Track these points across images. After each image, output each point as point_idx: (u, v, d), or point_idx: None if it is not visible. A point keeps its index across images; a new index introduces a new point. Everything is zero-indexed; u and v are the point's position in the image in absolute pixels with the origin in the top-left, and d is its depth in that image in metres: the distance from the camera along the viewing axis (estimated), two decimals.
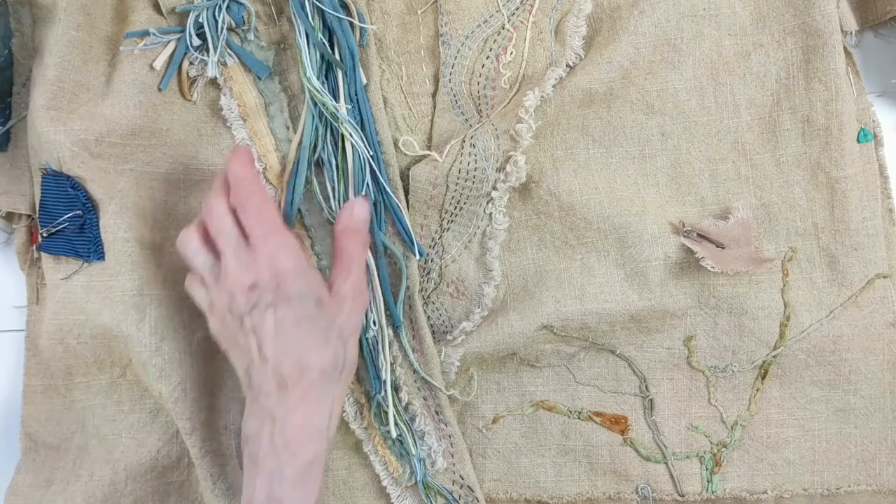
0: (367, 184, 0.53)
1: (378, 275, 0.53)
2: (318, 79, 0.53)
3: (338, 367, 0.46)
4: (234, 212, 0.47)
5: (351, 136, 0.53)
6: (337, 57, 0.53)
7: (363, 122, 0.53)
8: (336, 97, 0.53)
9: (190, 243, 0.48)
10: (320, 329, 0.46)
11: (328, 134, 0.54)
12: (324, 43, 0.53)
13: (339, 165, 0.53)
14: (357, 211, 0.50)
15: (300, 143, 0.53)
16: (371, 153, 0.53)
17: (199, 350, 0.53)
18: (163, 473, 0.54)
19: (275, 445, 0.44)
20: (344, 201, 0.53)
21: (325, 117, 0.53)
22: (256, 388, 0.45)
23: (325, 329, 0.46)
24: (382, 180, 0.53)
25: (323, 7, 0.52)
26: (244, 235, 0.47)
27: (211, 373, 0.54)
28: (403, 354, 0.53)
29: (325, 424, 0.46)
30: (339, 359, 0.46)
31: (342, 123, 0.53)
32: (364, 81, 0.54)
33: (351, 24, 0.54)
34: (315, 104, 0.53)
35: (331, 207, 0.53)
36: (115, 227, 0.51)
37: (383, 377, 0.52)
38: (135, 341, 0.51)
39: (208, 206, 0.48)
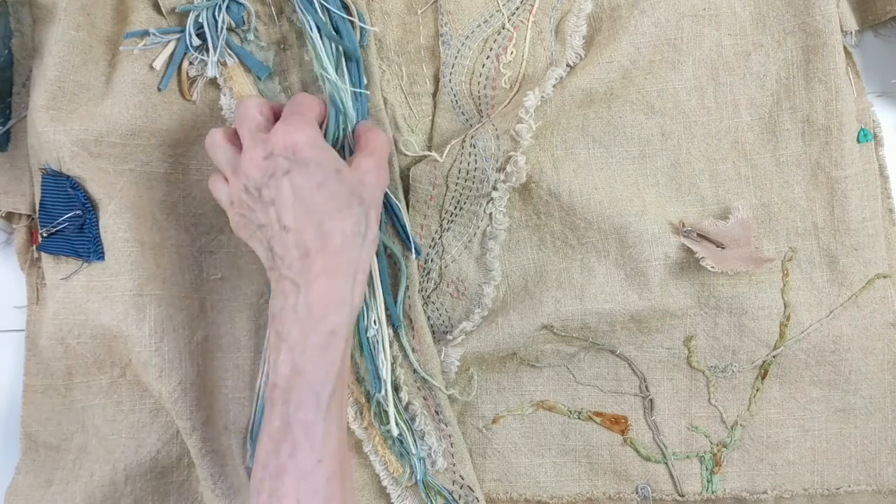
0: None
1: (378, 274, 0.53)
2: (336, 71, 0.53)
3: (360, 231, 0.45)
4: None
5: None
6: (333, 62, 0.53)
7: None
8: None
9: (214, 136, 0.47)
10: (341, 195, 0.44)
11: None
12: (338, 33, 0.52)
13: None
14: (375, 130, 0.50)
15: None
16: None
17: (199, 350, 0.53)
18: (163, 473, 0.54)
19: (297, 314, 0.43)
20: None
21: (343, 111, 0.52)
22: (279, 260, 0.44)
23: (345, 196, 0.45)
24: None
25: (329, 7, 0.52)
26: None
27: (211, 373, 0.54)
28: (403, 354, 0.53)
29: (350, 292, 0.44)
30: (362, 223, 0.45)
31: (347, 116, 0.52)
32: (364, 82, 0.54)
33: (351, 24, 0.54)
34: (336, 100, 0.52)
35: None
36: (115, 227, 0.52)
37: (383, 376, 0.52)
38: (135, 341, 0.51)
39: (239, 104, 0.47)
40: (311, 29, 0.52)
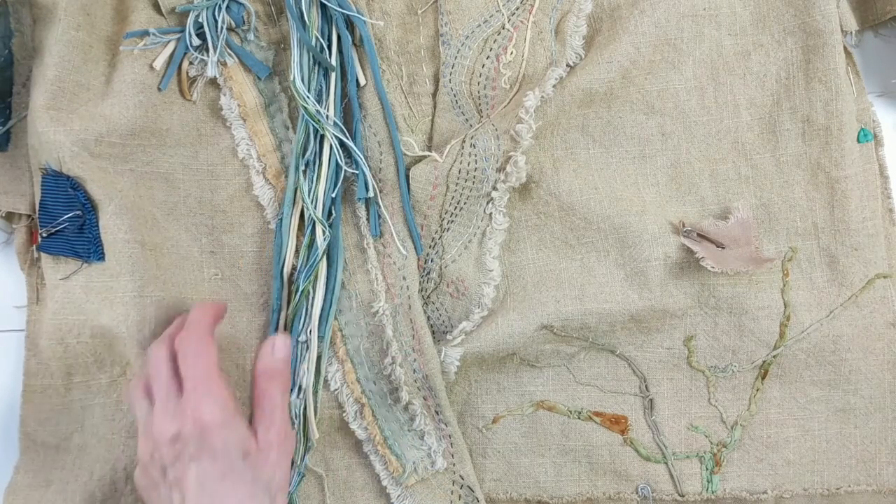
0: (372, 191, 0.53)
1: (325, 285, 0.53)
2: (314, 79, 0.53)
3: None
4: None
5: (331, 139, 0.53)
6: (334, 59, 0.53)
7: (354, 125, 0.54)
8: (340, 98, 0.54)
9: (132, 391, 0.46)
10: (245, 486, 0.43)
11: (317, 136, 0.54)
12: (321, 45, 0.53)
13: (318, 167, 0.53)
14: (277, 349, 0.48)
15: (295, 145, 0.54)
16: (357, 158, 0.53)
17: None
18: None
19: None
20: (326, 198, 0.53)
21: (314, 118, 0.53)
22: None
23: (251, 483, 0.43)
24: (369, 179, 0.53)
25: (329, 4, 0.53)
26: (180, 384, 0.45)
27: None
28: (403, 355, 0.53)
29: None
30: None
31: (324, 127, 0.53)
32: (364, 82, 0.54)
33: (350, 24, 0.54)
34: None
35: (307, 205, 0.53)
36: (116, 227, 0.51)
37: (302, 383, 0.52)
38: (135, 343, 0.51)
39: (150, 351, 0.46)
40: (292, 36, 0.53)
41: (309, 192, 0.53)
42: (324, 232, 0.53)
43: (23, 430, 0.54)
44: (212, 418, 0.43)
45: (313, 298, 0.53)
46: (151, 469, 0.44)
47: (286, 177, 0.55)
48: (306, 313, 0.53)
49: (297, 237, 0.54)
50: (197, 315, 0.47)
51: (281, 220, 0.53)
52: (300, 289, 0.52)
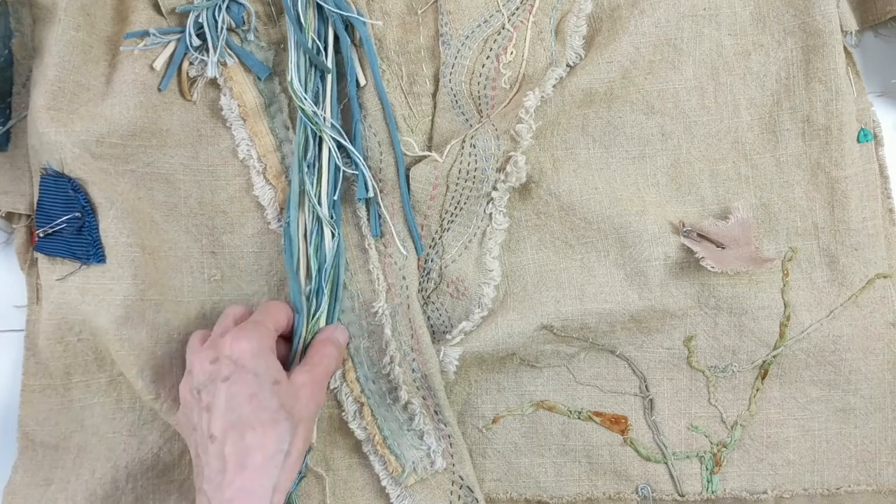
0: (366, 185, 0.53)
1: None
2: (310, 81, 0.53)
3: (283, 449, 0.45)
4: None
5: (329, 140, 0.53)
6: (330, 61, 0.53)
7: (353, 126, 0.54)
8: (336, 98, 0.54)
9: (192, 339, 0.49)
10: (270, 409, 0.45)
11: (316, 138, 0.54)
12: (318, 47, 0.53)
13: (318, 168, 0.53)
14: (340, 331, 0.52)
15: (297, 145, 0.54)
16: (357, 158, 0.53)
17: None
18: (164, 472, 0.54)
19: None
20: (329, 200, 0.53)
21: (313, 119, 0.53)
22: (200, 471, 0.44)
23: (274, 409, 0.45)
24: (369, 179, 0.53)
25: (325, 5, 0.53)
26: None
27: None
28: (402, 354, 0.53)
29: None
30: (285, 441, 0.45)
31: (321, 129, 0.53)
32: (363, 83, 0.54)
33: (349, 24, 0.54)
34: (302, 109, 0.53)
35: (315, 206, 0.53)
36: (118, 231, 0.51)
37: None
38: (133, 344, 0.51)
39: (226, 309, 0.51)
40: (290, 37, 0.53)
41: (312, 190, 0.53)
42: (333, 233, 0.53)
43: (21, 430, 0.54)
44: (248, 346, 0.46)
45: (323, 299, 0.53)
46: (188, 398, 0.47)
47: (286, 177, 0.55)
48: (320, 313, 0.53)
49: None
50: (267, 307, 0.50)
51: (288, 223, 0.53)
52: (323, 290, 0.53)
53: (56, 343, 0.52)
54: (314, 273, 0.53)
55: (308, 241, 0.53)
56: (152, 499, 0.53)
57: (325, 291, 0.53)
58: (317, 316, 0.53)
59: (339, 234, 0.54)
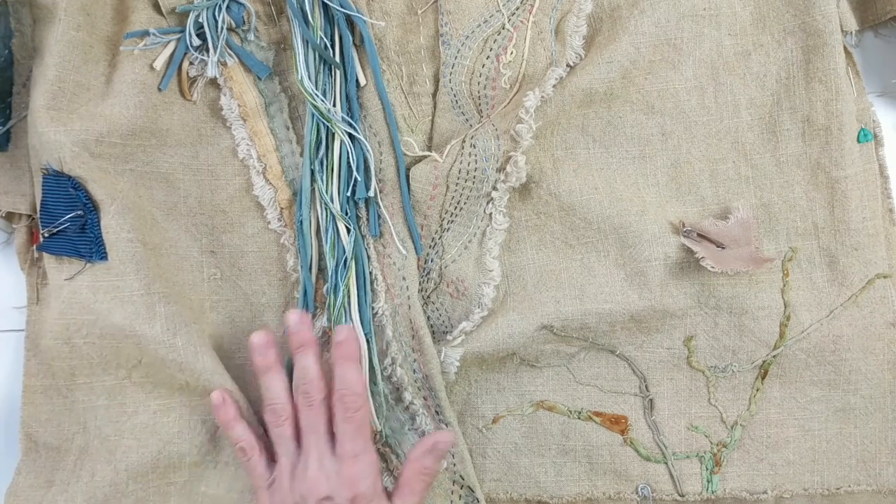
0: (368, 185, 0.53)
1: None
2: (318, 76, 0.53)
3: None
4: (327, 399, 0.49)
5: (343, 135, 0.53)
6: (338, 56, 0.53)
7: (353, 123, 0.54)
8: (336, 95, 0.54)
9: (278, 416, 0.49)
10: None
11: (328, 134, 0.54)
12: (325, 43, 0.53)
13: (329, 165, 0.53)
14: (441, 443, 0.50)
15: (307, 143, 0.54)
16: (365, 154, 0.53)
17: (209, 344, 0.53)
18: (164, 474, 0.54)
19: None
20: (342, 196, 0.53)
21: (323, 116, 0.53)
22: None
23: None
24: (372, 181, 0.53)
25: (331, 4, 0.53)
26: (330, 432, 0.49)
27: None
28: (403, 355, 0.53)
29: None
30: None
31: (335, 124, 0.53)
32: (364, 83, 0.54)
33: (350, 24, 0.54)
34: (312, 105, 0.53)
35: (328, 203, 0.53)
36: (118, 227, 0.51)
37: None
38: (149, 339, 0.51)
39: (307, 384, 0.49)
40: (294, 36, 0.53)
41: (325, 189, 0.53)
42: (349, 230, 0.53)
43: (24, 432, 0.53)
44: (368, 491, 0.47)
45: (348, 297, 0.53)
46: None
47: (286, 177, 0.55)
48: (345, 313, 0.53)
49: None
50: (350, 368, 0.49)
51: (301, 221, 0.53)
52: (339, 288, 0.53)
53: (63, 344, 0.52)
54: (331, 270, 0.53)
55: (324, 239, 0.53)
56: (152, 501, 0.53)
57: (342, 288, 0.53)
58: (336, 313, 0.53)
59: (354, 228, 0.54)
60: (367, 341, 0.54)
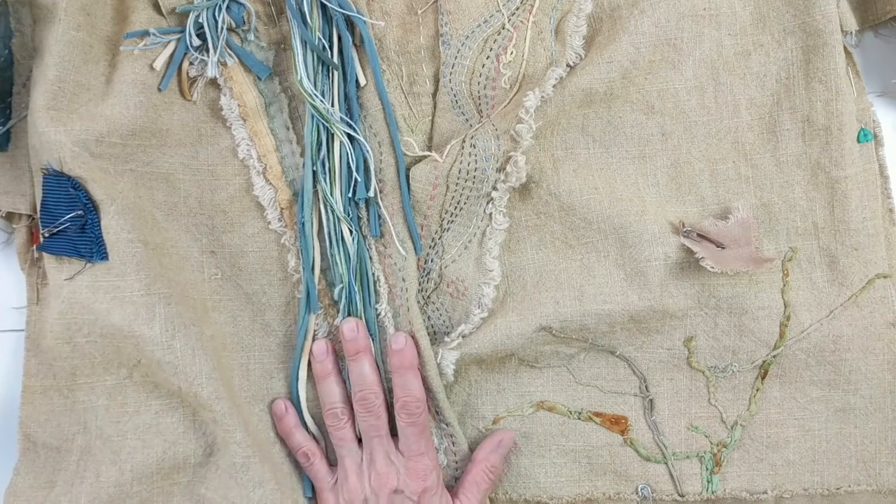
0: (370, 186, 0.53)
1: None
2: (317, 77, 0.53)
3: None
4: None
5: (342, 136, 0.53)
6: (337, 57, 0.53)
7: (354, 124, 0.54)
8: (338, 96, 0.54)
9: (339, 419, 0.52)
10: None
11: (328, 135, 0.54)
12: (323, 44, 0.53)
13: (330, 167, 0.54)
14: (505, 440, 0.54)
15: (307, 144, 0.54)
16: (364, 154, 0.53)
17: (210, 346, 0.53)
18: (168, 474, 0.54)
19: None
20: (344, 197, 0.53)
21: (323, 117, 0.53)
22: None
23: None
24: (372, 181, 0.53)
25: (329, 4, 0.53)
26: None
27: (220, 371, 0.54)
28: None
29: None
30: None
31: (334, 125, 0.53)
32: (364, 83, 0.54)
33: (350, 24, 0.54)
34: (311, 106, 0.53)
35: (333, 206, 0.54)
36: (119, 227, 0.51)
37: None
38: (147, 340, 0.51)
39: (365, 389, 0.52)
40: (294, 37, 0.53)
41: (328, 190, 0.53)
42: (351, 231, 0.53)
43: (23, 432, 0.53)
44: (432, 485, 0.51)
45: (355, 297, 0.54)
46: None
47: (286, 178, 0.55)
48: (349, 313, 0.54)
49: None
50: (411, 376, 0.52)
51: (303, 223, 0.53)
52: (353, 288, 0.53)
53: (64, 343, 0.52)
54: (343, 272, 0.53)
55: (331, 241, 0.54)
56: (156, 502, 0.53)
57: (356, 288, 0.54)
58: (358, 314, 0.54)
59: (356, 230, 0.54)
60: (372, 342, 0.54)
